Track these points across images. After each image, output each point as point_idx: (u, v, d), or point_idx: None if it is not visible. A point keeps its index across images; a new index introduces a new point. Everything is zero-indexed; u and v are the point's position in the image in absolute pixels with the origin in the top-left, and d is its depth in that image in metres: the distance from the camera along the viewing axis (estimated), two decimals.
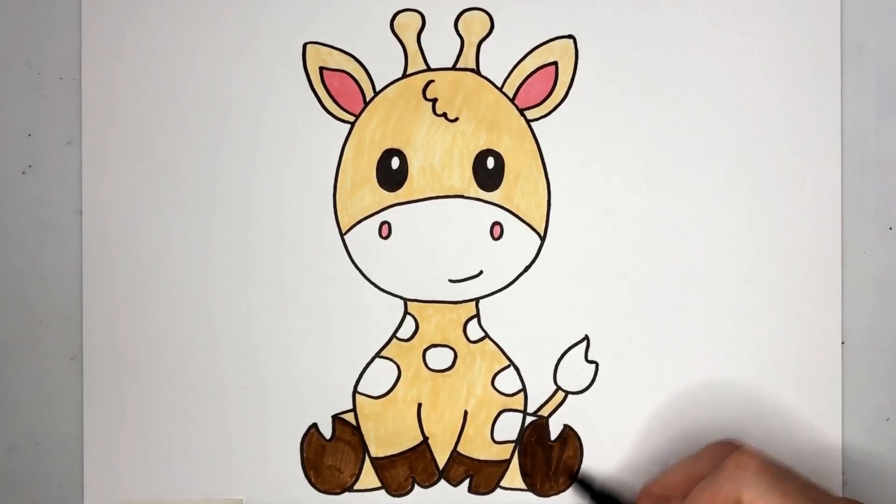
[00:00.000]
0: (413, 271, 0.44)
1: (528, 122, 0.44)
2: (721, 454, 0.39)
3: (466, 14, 0.44)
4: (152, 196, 0.44)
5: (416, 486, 0.44)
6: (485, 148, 0.44)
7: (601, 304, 0.44)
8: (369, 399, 0.44)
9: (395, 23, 0.44)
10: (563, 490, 0.44)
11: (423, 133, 0.44)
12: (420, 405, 0.44)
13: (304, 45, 0.44)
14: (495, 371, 0.44)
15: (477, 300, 0.44)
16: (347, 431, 0.44)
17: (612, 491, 0.43)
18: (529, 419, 0.44)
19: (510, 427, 0.44)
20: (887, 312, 0.44)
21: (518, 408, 0.44)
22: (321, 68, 0.44)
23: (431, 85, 0.44)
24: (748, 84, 0.44)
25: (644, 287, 0.44)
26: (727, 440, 0.41)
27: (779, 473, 0.37)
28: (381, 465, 0.44)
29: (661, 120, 0.44)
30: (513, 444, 0.44)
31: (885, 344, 0.44)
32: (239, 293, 0.44)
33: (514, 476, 0.44)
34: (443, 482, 0.44)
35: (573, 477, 0.44)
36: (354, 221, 0.44)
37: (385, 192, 0.44)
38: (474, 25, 0.44)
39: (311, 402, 0.44)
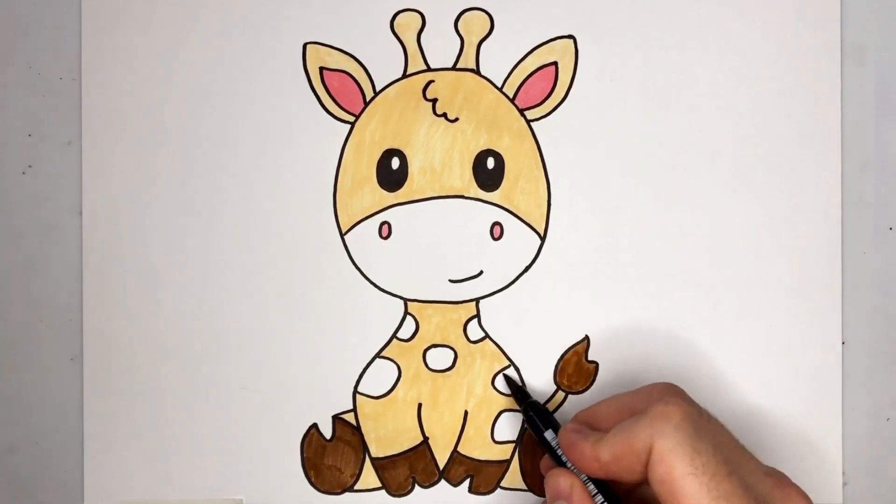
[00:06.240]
0: (413, 271, 0.44)
1: (528, 122, 0.44)
2: (657, 396, 0.37)
3: (466, 14, 0.44)
4: (152, 196, 0.44)
5: (416, 486, 0.44)
6: (485, 148, 0.44)
7: (601, 304, 0.44)
8: (369, 399, 0.44)
9: (395, 23, 0.44)
10: None
11: (423, 133, 0.44)
12: (420, 405, 0.44)
13: (304, 45, 0.44)
14: (495, 371, 0.44)
15: (477, 300, 0.44)
16: (347, 431, 0.44)
17: (543, 407, 0.42)
18: None
19: (510, 427, 0.44)
20: (887, 312, 0.44)
21: (518, 408, 0.44)
22: (321, 68, 0.44)
23: (431, 85, 0.44)
24: (748, 84, 0.44)
25: (644, 287, 0.44)
26: (670, 384, 0.39)
27: (698, 431, 0.35)
28: (381, 465, 0.44)
29: (661, 120, 0.44)
30: (513, 445, 0.44)
31: (885, 344, 0.44)
32: (239, 293, 0.44)
33: (514, 476, 0.44)
34: (443, 482, 0.44)
35: (509, 382, 0.43)
36: (354, 221, 0.44)
37: (385, 192, 0.44)
38: (474, 25, 0.44)
39: (311, 402, 0.44)
